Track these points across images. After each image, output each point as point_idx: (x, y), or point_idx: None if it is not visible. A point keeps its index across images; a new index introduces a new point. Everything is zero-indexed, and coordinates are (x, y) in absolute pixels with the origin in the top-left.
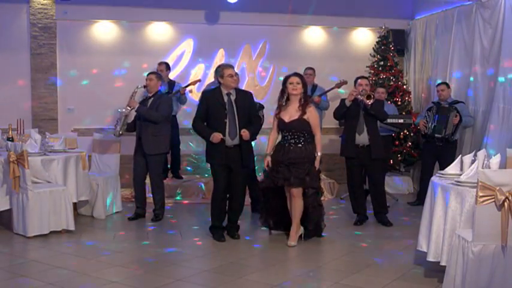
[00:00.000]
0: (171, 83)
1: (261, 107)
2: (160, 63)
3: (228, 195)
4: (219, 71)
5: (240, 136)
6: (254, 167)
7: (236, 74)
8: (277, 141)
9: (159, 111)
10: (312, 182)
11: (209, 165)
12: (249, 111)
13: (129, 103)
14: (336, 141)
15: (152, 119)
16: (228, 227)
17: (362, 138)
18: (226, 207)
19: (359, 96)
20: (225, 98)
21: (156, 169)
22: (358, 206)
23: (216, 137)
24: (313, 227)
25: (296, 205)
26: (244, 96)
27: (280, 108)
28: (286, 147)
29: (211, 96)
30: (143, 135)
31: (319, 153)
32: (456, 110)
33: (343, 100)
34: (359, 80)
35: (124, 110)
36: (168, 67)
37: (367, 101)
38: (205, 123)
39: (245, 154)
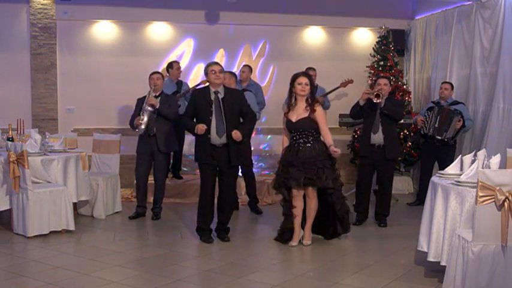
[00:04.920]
0: (179, 83)
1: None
2: (177, 62)
3: (218, 196)
4: (205, 68)
5: (229, 136)
6: (252, 164)
7: (222, 71)
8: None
9: (172, 109)
10: (327, 181)
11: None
12: (239, 109)
13: (151, 101)
14: (335, 141)
15: (169, 117)
16: (217, 229)
17: (377, 137)
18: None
19: (370, 95)
20: (212, 96)
21: (164, 167)
22: (360, 205)
23: (200, 128)
24: (341, 226)
25: (311, 206)
26: (233, 95)
27: (289, 107)
28: (295, 147)
29: (199, 94)
30: (158, 133)
31: (331, 143)
32: (461, 114)
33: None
34: (378, 80)
35: (149, 107)
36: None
37: (376, 99)
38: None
39: (233, 154)
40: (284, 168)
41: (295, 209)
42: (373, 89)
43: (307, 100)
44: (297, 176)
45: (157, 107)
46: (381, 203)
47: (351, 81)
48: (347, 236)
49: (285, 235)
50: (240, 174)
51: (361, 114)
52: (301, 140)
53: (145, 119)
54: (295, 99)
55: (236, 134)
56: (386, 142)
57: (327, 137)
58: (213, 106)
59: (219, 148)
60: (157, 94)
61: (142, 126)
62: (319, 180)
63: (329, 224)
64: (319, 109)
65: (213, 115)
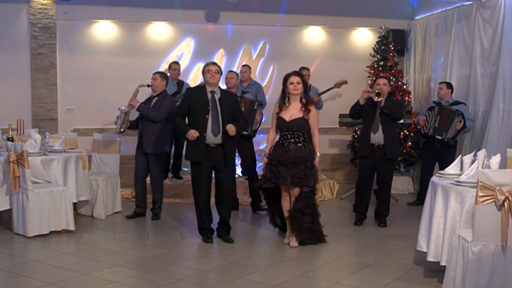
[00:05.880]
0: (180, 83)
1: (259, 105)
2: (176, 63)
3: (216, 196)
4: (202, 68)
5: (224, 135)
6: (255, 165)
7: (218, 71)
8: (275, 140)
9: (159, 110)
10: (309, 181)
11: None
12: (233, 112)
13: (131, 101)
14: (335, 141)
15: (151, 118)
16: (218, 229)
17: (377, 137)
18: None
19: (371, 94)
20: (209, 96)
21: (156, 168)
22: (360, 205)
23: (192, 134)
24: (307, 232)
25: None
26: (229, 97)
27: (281, 107)
28: (285, 146)
29: (194, 92)
30: (144, 134)
31: (318, 154)
32: (462, 115)
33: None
34: (378, 80)
35: (123, 107)
36: (179, 67)
37: (376, 98)
38: (186, 120)
39: (228, 154)
40: (272, 167)
41: (286, 207)
42: (373, 89)
43: (301, 100)
44: (286, 174)
45: (135, 107)
46: (380, 203)
47: (345, 82)
48: (347, 236)
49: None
50: (239, 174)
51: (361, 114)
52: (293, 140)
53: (119, 120)
54: (288, 99)
55: (231, 128)
56: (386, 142)
57: (317, 144)
58: (210, 105)
59: (212, 148)
60: (154, 94)
61: (117, 125)
62: (306, 179)
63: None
64: (313, 110)
65: (210, 114)
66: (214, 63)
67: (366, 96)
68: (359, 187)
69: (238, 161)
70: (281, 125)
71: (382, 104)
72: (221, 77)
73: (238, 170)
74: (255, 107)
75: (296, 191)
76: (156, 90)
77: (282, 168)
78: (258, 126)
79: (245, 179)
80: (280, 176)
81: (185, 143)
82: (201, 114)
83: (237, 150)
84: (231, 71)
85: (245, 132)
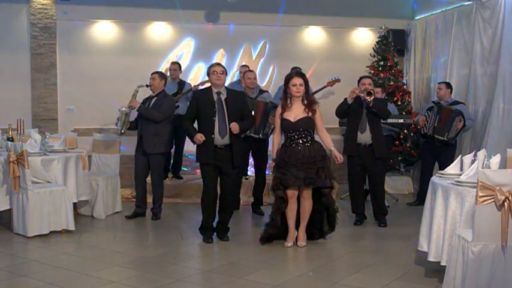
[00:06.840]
0: (181, 83)
1: (273, 107)
2: (173, 63)
3: (220, 196)
4: (207, 69)
5: (231, 136)
6: (266, 167)
7: (223, 72)
8: (281, 143)
9: (160, 110)
10: (326, 180)
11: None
12: (241, 111)
13: (130, 102)
14: (335, 141)
15: (152, 118)
16: (217, 227)
17: (364, 137)
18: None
19: (360, 94)
20: (215, 97)
21: (157, 168)
22: (357, 206)
23: (198, 138)
24: (329, 225)
25: (306, 207)
26: (236, 97)
27: (284, 108)
28: (293, 147)
29: (201, 95)
30: (144, 134)
31: (333, 147)
32: (462, 114)
33: (346, 98)
34: (362, 80)
35: (124, 108)
36: (180, 67)
37: (367, 97)
38: (195, 123)
39: (236, 155)
40: (282, 169)
41: (290, 210)
42: (361, 89)
43: (303, 100)
44: (298, 175)
45: (134, 108)
46: (376, 203)
47: (338, 81)
48: (347, 236)
49: (271, 238)
50: (246, 175)
51: (347, 113)
52: (301, 140)
53: (119, 121)
54: (291, 99)
55: (234, 126)
56: (374, 141)
57: (328, 139)
58: (216, 106)
59: (220, 149)
60: (153, 94)
61: (118, 127)
62: (319, 179)
63: (314, 226)
64: (318, 110)
65: (216, 115)
66: (219, 64)
67: (354, 95)
68: (352, 188)
69: None
70: (286, 126)
71: (372, 103)
72: (226, 78)
73: None
74: (269, 110)
75: (306, 193)
76: (155, 90)
77: (292, 169)
78: (272, 129)
79: (245, 179)
80: (293, 176)
81: (195, 145)
82: (208, 116)
83: (251, 152)
84: (251, 70)
85: (256, 136)
